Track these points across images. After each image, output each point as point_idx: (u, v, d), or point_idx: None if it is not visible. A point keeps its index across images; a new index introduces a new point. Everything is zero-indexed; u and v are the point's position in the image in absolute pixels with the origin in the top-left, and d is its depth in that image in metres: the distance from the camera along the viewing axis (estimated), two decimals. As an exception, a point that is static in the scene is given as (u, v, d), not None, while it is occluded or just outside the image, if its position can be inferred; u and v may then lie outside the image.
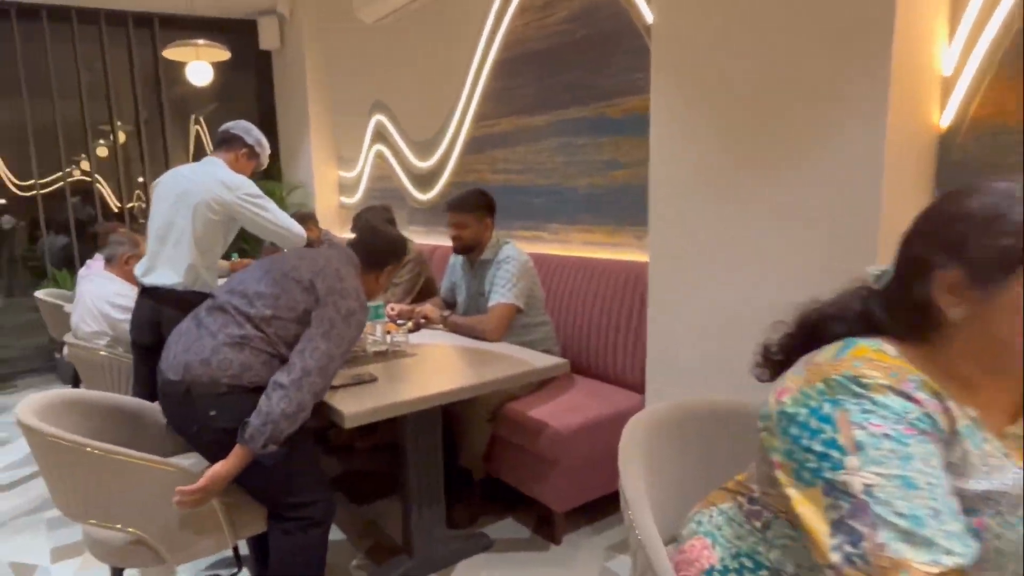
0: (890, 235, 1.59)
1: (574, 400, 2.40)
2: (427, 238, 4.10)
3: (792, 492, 0.78)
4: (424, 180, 4.14)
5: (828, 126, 1.63)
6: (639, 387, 2.44)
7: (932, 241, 0.80)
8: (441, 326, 2.65)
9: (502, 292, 2.46)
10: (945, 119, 1.67)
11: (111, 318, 2.85)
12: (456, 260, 2.83)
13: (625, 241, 2.78)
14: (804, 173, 1.69)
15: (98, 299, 2.89)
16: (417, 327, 2.67)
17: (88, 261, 3.52)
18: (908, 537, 0.67)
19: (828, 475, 0.73)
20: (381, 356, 2.22)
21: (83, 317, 2.91)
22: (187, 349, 1.69)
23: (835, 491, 0.72)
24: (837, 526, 0.71)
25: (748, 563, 0.95)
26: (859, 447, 0.72)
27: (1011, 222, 0.74)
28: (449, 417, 2.31)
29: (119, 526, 1.57)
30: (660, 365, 2.17)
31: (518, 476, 2.36)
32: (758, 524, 0.95)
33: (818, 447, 0.75)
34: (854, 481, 0.71)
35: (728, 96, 1.83)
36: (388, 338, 2.29)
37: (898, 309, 0.83)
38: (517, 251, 2.55)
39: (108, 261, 3.11)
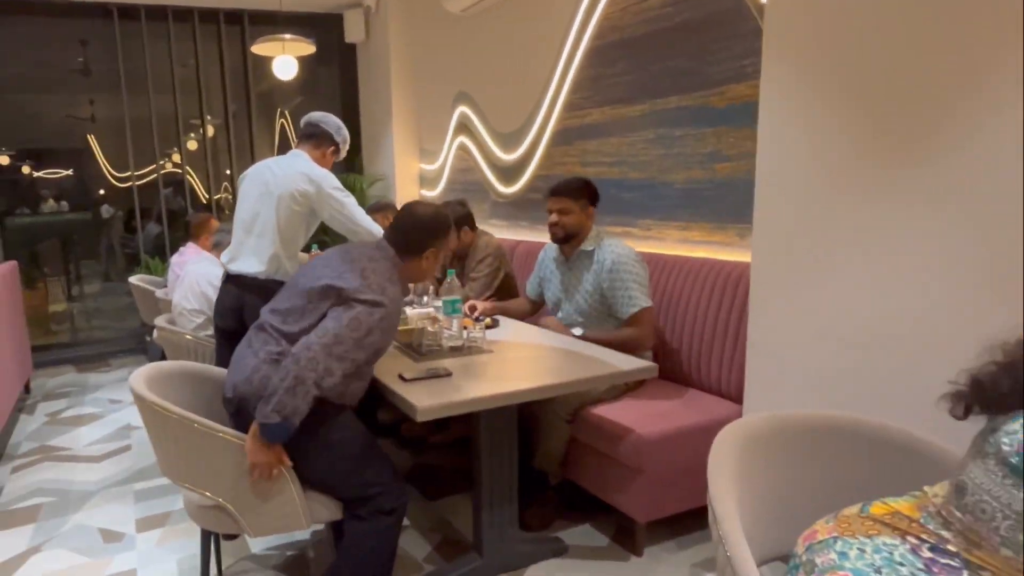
0: None
1: (663, 406, 2.37)
2: (509, 232, 4.15)
3: None
4: (508, 173, 4.19)
5: (968, 117, 1.52)
6: (736, 397, 2.38)
7: None
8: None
9: (637, 298, 2.45)
10: None
11: (210, 299, 3.07)
12: (546, 254, 2.85)
13: (726, 240, 2.71)
14: (943, 169, 1.58)
15: (202, 279, 3.19)
16: (495, 323, 2.69)
17: (181, 248, 3.84)
18: None
19: None
20: (457, 351, 2.27)
21: (185, 295, 3.22)
22: (236, 368, 1.85)
23: None
24: None
25: None
26: None
27: None
28: (526, 417, 2.31)
29: (208, 493, 1.73)
30: (760, 374, 2.10)
31: (598, 482, 2.35)
32: None
33: None
34: None
35: (851, 82, 1.76)
36: (464, 333, 2.32)
37: None
38: (626, 247, 2.54)
39: (216, 247, 3.51)
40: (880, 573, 0.89)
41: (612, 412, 2.29)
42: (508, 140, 4.14)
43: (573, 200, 2.57)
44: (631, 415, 2.25)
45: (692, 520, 2.35)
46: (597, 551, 2.29)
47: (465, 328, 2.35)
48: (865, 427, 1.46)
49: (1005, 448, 0.81)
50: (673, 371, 2.67)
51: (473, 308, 2.75)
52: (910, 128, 1.63)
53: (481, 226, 3.34)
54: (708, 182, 2.77)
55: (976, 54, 1.49)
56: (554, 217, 2.60)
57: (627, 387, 2.48)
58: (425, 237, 1.94)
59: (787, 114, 1.93)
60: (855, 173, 1.77)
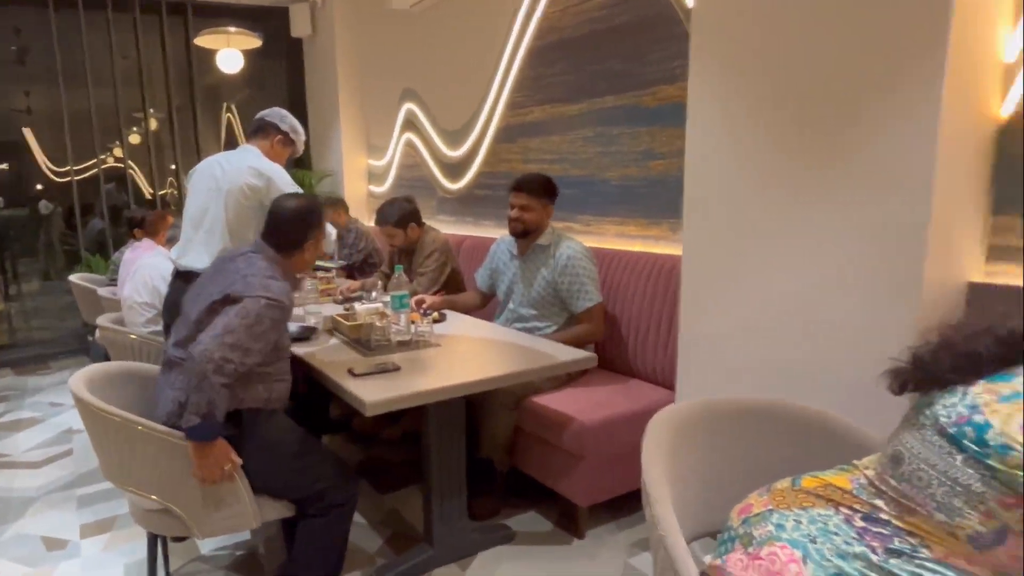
0: (940, 231, 1.56)
1: (602, 395, 2.42)
2: (456, 228, 4.14)
3: None
4: (454, 169, 4.18)
5: (878, 117, 1.60)
6: (670, 384, 2.44)
7: None
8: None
9: (591, 293, 2.54)
10: (1006, 109, 1.61)
11: (162, 293, 2.98)
12: (499, 247, 2.88)
13: (660, 234, 2.78)
14: (854, 167, 1.66)
15: (155, 273, 3.08)
16: (442, 317, 2.70)
17: (134, 243, 3.71)
18: None
19: None
20: (405, 346, 2.27)
21: (137, 288, 3.10)
22: (159, 406, 1.83)
23: None
24: None
25: None
26: None
27: None
28: (473, 408, 2.34)
29: (153, 496, 1.69)
30: (691, 362, 2.17)
31: (542, 469, 2.39)
32: (877, 546, 0.88)
33: None
34: None
35: (773, 84, 1.82)
36: (412, 328, 2.32)
37: None
38: (579, 244, 2.61)
39: (170, 242, 3.41)
40: (816, 542, 0.92)
41: (554, 401, 2.33)
42: (454, 137, 4.13)
43: (536, 198, 2.62)
44: (572, 404, 2.30)
45: (631, 502, 2.40)
46: (542, 536, 2.33)
47: (413, 323, 2.36)
48: (786, 410, 1.52)
49: (943, 420, 0.84)
50: (612, 360, 2.73)
51: (421, 302, 2.76)
52: (826, 129, 1.70)
53: (429, 222, 3.33)
54: (642, 179, 2.83)
55: (887, 58, 1.57)
56: (515, 212, 2.64)
57: (569, 377, 2.52)
58: (303, 229, 1.96)
59: (713, 114, 1.98)
60: (777, 171, 1.83)
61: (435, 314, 2.69)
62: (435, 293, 3.06)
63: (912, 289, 1.57)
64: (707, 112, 2.00)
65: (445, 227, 4.06)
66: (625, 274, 2.72)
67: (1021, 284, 1.56)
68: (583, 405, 2.29)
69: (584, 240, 2.71)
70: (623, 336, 2.70)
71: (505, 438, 2.45)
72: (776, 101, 1.81)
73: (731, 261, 1.98)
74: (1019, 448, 0.74)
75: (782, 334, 1.87)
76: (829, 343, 1.76)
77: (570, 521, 2.37)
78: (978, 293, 1.64)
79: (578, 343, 2.44)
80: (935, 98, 1.50)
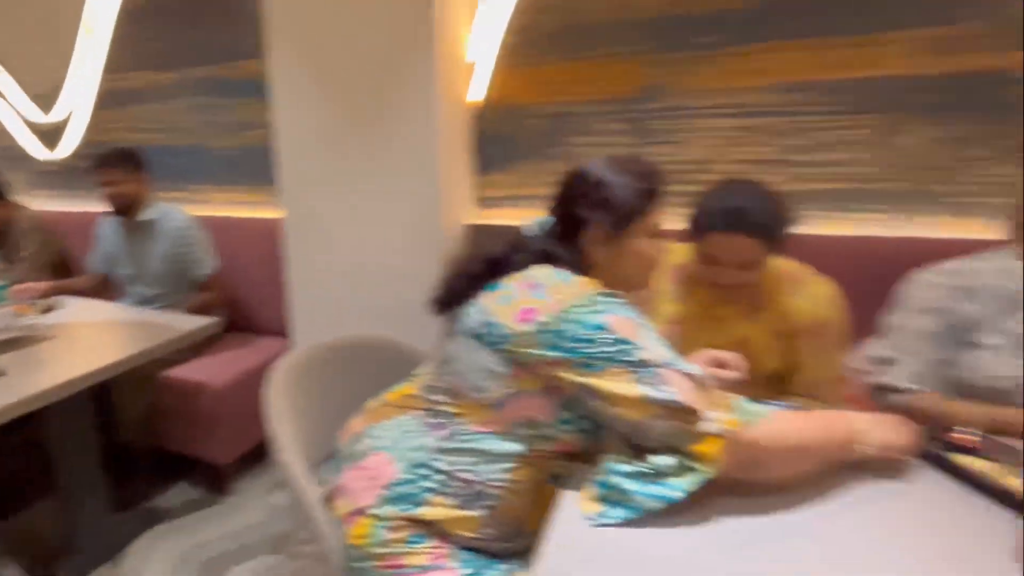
0: (446, 188, 2.01)
1: (230, 356, 2.48)
2: (57, 204, 3.58)
3: (590, 380, 0.95)
4: (51, 138, 3.61)
5: (403, 105, 1.97)
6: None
7: (585, 203, 1.10)
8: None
9: (206, 262, 2.55)
10: (472, 97, 2.14)
11: None
12: (105, 228, 2.65)
13: (263, 199, 2.86)
14: (394, 143, 2.00)
15: None
16: (55, 306, 2.46)
17: None
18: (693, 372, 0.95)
19: (625, 358, 0.94)
20: (11, 345, 1.98)
21: None
22: None
23: (637, 367, 0.93)
24: (649, 384, 0.92)
25: (424, 471, 1.05)
26: (640, 334, 0.96)
27: (632, 187, 1.09)
28: (104, 395, 2.20)
29: None
30: (300, 312, 2.37)
31: (183, 440, 2.38)
32: (439, 433, 1.08)
33: (607, 344, 0.94)
34: (650, 356, 0.94)
35: (338, 69, 2.04)
36: (19, 322, 2.08)
37: (568, 251, 1.11)
38: (186, 214, 2.53)
39: None
40: (398, 443, 1.10)
41: (185, 372, 2.33)
42: (47, 101, 3.57)
43: (121, 170, 2.45)
44: (203, 371, 2.32)
45: (268, 449, 2.51)
46: (192, 504, 2.33)
47: (19, 316, 2.13)
48: (371, 341, 1.73)
49: (469, 325, 1.07)
50: (239, 322, 2.76)
51: (25, 291, 2.45)
52: (373, 109, 1.99)
53: (23, 198, 2.92)
54: (242, 148, 2.87)
55: (404, 58, 1.90)
56: (108, 190, 2.44)
57: (200, 345, 2.49)
58: None
59: (292, 91, 2.13)
60: (349, 144, 2.07)
61: (44, 303, 2.45)
62: (41, 279, 2.74)
63: (436, 233, 2.01)
64: (287, 89, 2.15)
65: (46, 203, 3.51)
66: (239, 239, 2.75)
67: (497, 223, 2.15)
68: (214, 369, 2.34)
69: (195, 209, 2.65)
70: (245, 297, 2.76)
71: (143, 419, 2.37)
72: (343, 84, 2.04)
73: (321, 221, 2.20)
74: (516, 333, 1.00)
75: (365, 279, 2.17)
76: (396, 282, 2.12)
77: (216, 482, 2.41)
78: (475, 231, 2.17)
79: (204, 311, 2.43)
80: (431, 90, 1.89)
